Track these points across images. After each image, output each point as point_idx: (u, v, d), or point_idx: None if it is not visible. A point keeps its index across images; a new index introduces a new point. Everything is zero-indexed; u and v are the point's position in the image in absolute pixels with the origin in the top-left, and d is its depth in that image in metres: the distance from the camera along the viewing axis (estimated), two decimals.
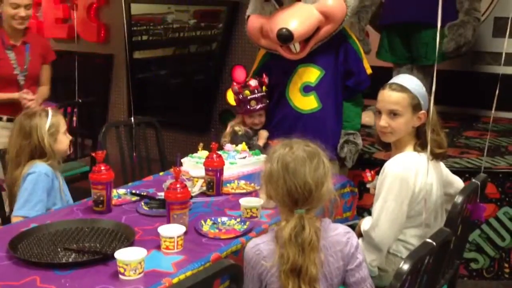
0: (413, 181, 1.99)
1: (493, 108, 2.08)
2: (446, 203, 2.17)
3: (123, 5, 4.79)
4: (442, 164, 2.20)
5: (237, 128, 2.93)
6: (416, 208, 2.02)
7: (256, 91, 2.87)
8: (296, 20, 2.65)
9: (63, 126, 2.34)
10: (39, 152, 2.24)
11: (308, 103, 2.83)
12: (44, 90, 3.36)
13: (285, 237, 1.53)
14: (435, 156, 2.07)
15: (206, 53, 4.77)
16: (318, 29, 2.71)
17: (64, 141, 2.34)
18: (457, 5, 3.56)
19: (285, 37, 2.62)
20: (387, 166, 2.03)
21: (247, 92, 2.86)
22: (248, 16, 2.90)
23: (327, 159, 1.61)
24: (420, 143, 2.07)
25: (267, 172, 1.59)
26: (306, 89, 2.83)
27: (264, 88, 2.90)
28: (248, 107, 2.88)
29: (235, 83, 2.91)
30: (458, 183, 2.26)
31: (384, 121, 2.07)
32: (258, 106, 2.87)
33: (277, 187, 1.56)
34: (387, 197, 1.98)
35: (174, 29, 4.86)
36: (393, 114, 2.05)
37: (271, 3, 2.75)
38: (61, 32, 5.32)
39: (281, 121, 2.89)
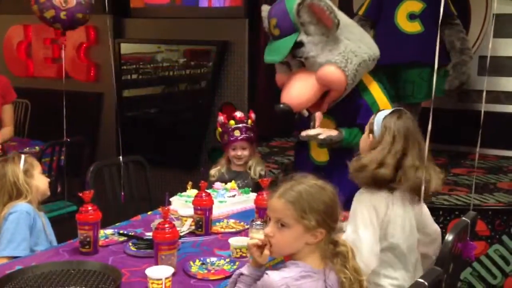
0: (382, 210, 1.99)
1: (478, 146, 2.11)
2: (421, 245, 2.16)
3: (111, 45, 4.85)
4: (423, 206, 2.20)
5: (212, 172, 2.92)
6: (391, 240, 2.02)
7: (240, 121, 2.87)
8: (295, 93, 2.69)
9: (37, 167, 2.34)
10: (16, 192, 2.23)
11: (321, 155, 2.84)
12: (6, 131, 3.30)
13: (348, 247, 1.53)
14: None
15: (195, 91, 4.80)
16: (328, 91, 2.73)
17: (42, 179, 2.33)
18: (447, 45, 3.63)
19: (282, 112, 2.68)
20: (355, 196, 2.06)
21: (232, 122, 2.87)
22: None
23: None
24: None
25: (291, 198, 1.52)
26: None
27: (250, 121, 2.90)
28: (231, 137, 2.87)
29: (221, 114, 2.92)
30: (432, 226, 2.22)
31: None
32: (241, 136, 2.86)
33: (314, 204, 1.52)
34: (359, 226, 1.98)
35: (163, 67, 4.90)
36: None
37: (284, 66, 2.78)
38: (51, 71, 5.34)
39: (298, 167, 2.91)
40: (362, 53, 2.74)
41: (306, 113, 2.82)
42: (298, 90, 2.70)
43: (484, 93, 2.25)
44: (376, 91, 2.86)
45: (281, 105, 2.68)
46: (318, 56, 2.67)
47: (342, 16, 2.78)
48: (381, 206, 2.00)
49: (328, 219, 1.53)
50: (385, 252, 2.03)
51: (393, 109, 2.19)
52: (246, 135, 2.88)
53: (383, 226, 2.00)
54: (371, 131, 2.12)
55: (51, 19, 3.79)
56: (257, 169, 2.94)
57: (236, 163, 2.93)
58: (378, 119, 2.11)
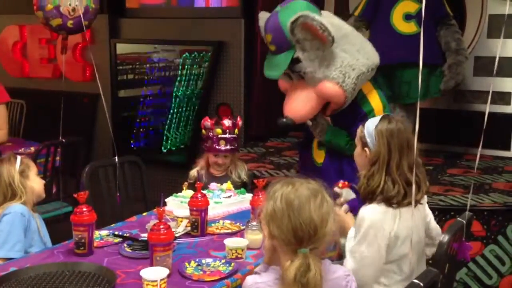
0: (389, 225, 1.96)
1: (480, 146, 2.09)
2: (425, 247, 2.15)
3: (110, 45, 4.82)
4: (427, 208, 2.19)
5: (191, 174, 2.91)
6: (399, 251, 1.99)
7: (228, 131, 2.81)
8: (297, 107, 2.79)
9: (33, 168, 2.33)
10: (10, 193, 2.22)
11: (320, 157, 2.91)
12: None
13: (289, 278, 1.47)
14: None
15: (191, 91, 4.79)
16: (329, 102, 2.80)
17: (37, 181, 2.32)
18: (443, 45, 3.63)
19: (285, 126, 2.81)
20: (362, 210, 2.00)
21: (218, 130, 2.81)
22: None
23: (330, 196, 1.58)
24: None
25: (269, 210, 1.54)
26: (320, 143, 2.91)
27: (236, 131, 2.85)
28: (216, 146, 2.82)
29: (208, 118, 2.86)
30: (437, 230, 2.22)
31: None
32: (226, 148, 2.81)
33: (281, 226, 1.51)
34: (362, 242, 1.95)
35: (159, 68, 4.89)
36: None
37: (285, 75, 2.82)
38: (46, 72, 5.33)
39: (302, 169, 3.03)
40: (360, 66, 2.74)
41: (310, 123, 2.90)
42: (299, 104, 2.78)
43: (490, 94, 2.23)
44: (375, 99, 2.86)
45: (284, 119, 2.77)
46: (315, 72, 2.71)
47: (341, 26, 2.80)
48: (388, 221, 1.96)
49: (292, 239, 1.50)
50: (392, 263, 2.00)
51: (381, 116, 2.15)
52: (231, 147, 2.83)
53: (390, 241, 1.96)
54: (365, 144, 2.08)
55: (57, 27, 3.71)
56: (241, 174, 2.92)
57: (216, 169, 2.91)
58: (368, 131, 2.07)
